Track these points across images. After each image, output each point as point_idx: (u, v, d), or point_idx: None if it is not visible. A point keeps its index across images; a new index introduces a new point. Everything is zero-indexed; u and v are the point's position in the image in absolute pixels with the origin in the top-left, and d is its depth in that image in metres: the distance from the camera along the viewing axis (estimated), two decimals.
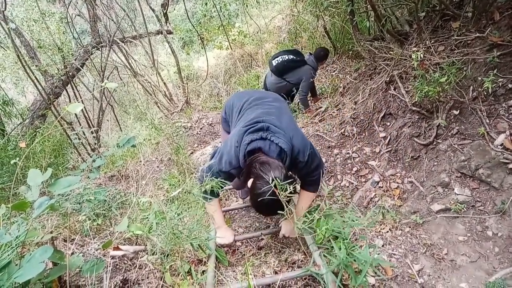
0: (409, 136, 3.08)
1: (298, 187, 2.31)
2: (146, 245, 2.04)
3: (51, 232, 1.97)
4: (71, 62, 6.12)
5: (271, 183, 1.71)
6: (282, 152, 1.93)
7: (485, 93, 2.61)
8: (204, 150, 4.46)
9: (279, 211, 1.77)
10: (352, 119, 3.82)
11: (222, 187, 2.00)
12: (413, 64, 2.85)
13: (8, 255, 1.39)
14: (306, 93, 4.70)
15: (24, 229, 1.47)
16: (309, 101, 5.08)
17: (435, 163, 2.75)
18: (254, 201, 1.85)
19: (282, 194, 1.69)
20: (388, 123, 3.44)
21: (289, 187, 1.70)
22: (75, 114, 6.38)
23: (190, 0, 12.91)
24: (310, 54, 4.68)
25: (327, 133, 3.94)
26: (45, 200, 1.43)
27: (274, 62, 4.53)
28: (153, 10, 7.06)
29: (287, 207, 1.76)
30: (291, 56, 4.49)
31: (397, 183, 2.94)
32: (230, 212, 3.15)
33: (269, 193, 1.73)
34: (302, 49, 7.13)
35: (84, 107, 6.17)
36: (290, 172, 1.94)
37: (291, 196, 1.75)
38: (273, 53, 6.43)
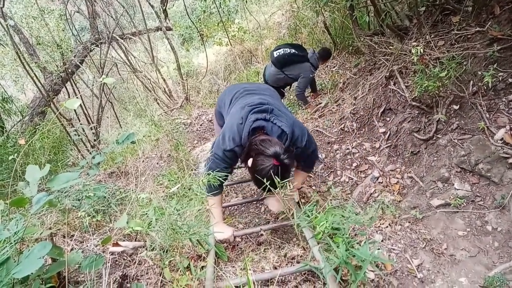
0: (409, 131, 3.07)
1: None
2: (146, 241, 2.04)
3: (50, 228, 1.97)
4: (70, 59, 6.10)
5: (272, 159, 1.85)
6: (283, 134, 2.04)
7: (485, 88, 2.60)
8: (204, 147, 4.45)
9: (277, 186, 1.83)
10: (351, 115, 3.81)
11: (221, 181, 2.06)
12: (413, 59, 2.84)
13: (7, 251, 1.39)
14: (303, 90, 4.68)
15: (23, 225, 1.46)
16: (309, 97, 5.09)
17: (435, 158, 2.74)
18: (256, 177, 1.92)
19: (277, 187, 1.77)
20: (388, 119, 3.43)
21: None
22: (75, 111, 6.38)
23: None
24: (314, 51, 4.63)
25: (327, 129, 3.94)
26: (43, 196, 1.42)
27: (276, 54, 4.50)
28: (152, 7, 7.05)
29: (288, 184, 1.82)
30: (293, 50, 4.46)
31: (397, 178, 2.94)
32: (229, 208, 3.15)
33: (271, 167, 1.84)
34: (302, 44, 7.11)
35: (84, 104, 6.17)
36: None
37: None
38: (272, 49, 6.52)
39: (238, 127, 2.07)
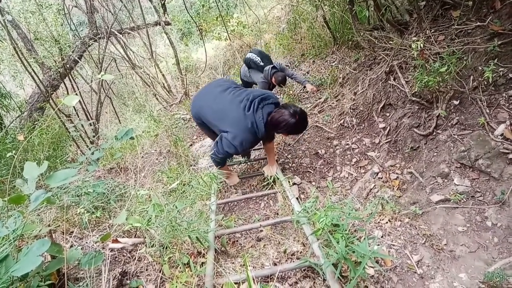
0: (408, 127, 3.07)
1: None
2: (145, 238, 2.03)
3: (49, 225, 1.97)
4: (68, 54, 6.07)
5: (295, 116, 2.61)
6: (276, 104, 2.80)
7: (486, 83, 2.59)
8: (203, 142, 4.44)
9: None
10: (351, 110, 3.80)
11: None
12: (413, 54, 2.82)
13: (6, 248, 1.38)
14: None
15: (21, 223, 1.46)
16: (309, 92, 5.13)
17: (435, 154, 2.74)
18: (297, 128, 2.72)
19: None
20: (388, 114, 3.42)
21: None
22: (74, 106, 6.35)
23: None
24: (272, 68, 4.70)
25: (327, 124, 3.93)
26: (42, 193, 1.42)
27: (248, 55, 4.98)
28: (150, 1, 6.98)
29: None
30: (258, 59, 4.84)
31: (397, 174, 2.93)
32: (229, 204, 3.15)
33: (297, 117, 2.61)
34: (301, 39, 7.06)
35: (82, 99, 6.14)
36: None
37: None
38: (271, 44, 7.15)
39: (249, 130, 2.63)
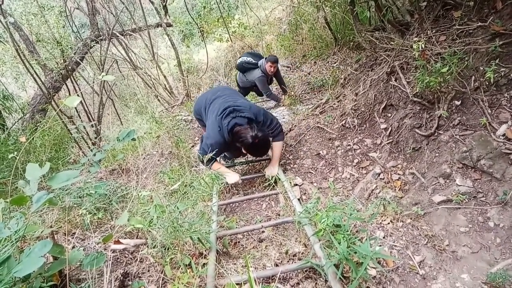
0: (410, 127, 3.06)
1: None
2: (147, 239, 2.04)
3: (51, 226, 1.97)
4: (70, 56, 6.08)
5: (253, 140, 2.80)
6: (249, 120, 2.97)
7: (487, 83, 2.59)
8: None
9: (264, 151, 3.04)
10: (353, 111, 3.80)
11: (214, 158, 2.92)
12: (414, 55, 2.82)
13: (8, 249, 1.39)
14: (266, 90, 5.35)
15: (23, 224, 1.46)
16: (280, 95, 5.63)
17: (437, 154, 2.73)
18: (252, 150, 2.96)
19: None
20: (389, 115, 3.41)
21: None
22: (75, 108, 6.37)
23: None
24: (265, 58, 5.13)
25: (328, 125, 3.92)
26: (44, 194, 1.42)
27: (238, 61, 5.38)
28: (152, 3, 7.00)
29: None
30: (249, 59, 5.22)
31: (399, 174, 2.93)
32: (231, 205, 3.15)
33: (256, 144, 2.82)
34: (302, 40, 7.07)
35: (84, 101, 6.15)
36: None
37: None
38: (273, 45, 7.36)
39: (219, 133, 2.93)
